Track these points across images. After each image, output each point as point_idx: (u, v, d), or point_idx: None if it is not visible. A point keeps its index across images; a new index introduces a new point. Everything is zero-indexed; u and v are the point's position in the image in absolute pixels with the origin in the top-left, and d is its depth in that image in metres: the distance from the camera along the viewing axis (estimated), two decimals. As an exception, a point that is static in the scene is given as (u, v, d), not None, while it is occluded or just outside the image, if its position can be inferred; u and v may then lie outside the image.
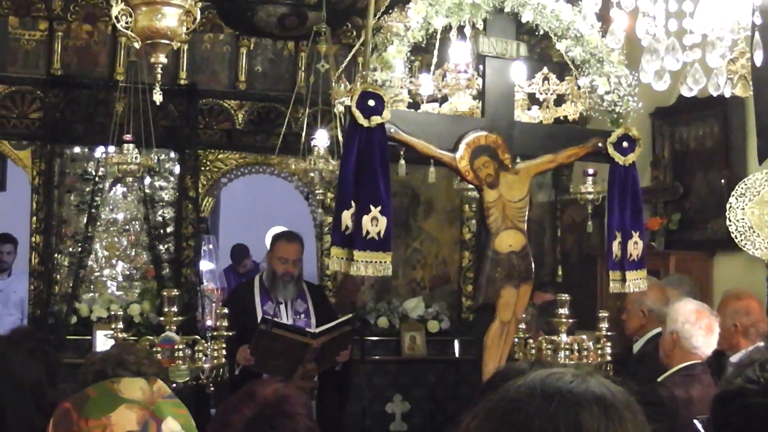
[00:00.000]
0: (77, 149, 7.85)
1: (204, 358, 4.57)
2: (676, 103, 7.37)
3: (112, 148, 6.88)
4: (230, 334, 4.71)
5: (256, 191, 11.04)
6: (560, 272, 8.78)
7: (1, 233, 9.68)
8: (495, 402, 1.34)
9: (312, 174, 6.29)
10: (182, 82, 7.97)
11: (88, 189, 7.80)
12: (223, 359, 4.66)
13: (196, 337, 4.67)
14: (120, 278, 7.97)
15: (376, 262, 3.99)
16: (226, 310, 4.79)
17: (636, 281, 4.63)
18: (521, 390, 1.34)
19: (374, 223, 3.96)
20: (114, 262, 7.97)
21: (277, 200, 10.57)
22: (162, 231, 7.96)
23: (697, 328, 4.64)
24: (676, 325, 4.68)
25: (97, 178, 7.78)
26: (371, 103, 3.96)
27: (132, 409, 1.66)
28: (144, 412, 1.66)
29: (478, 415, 1.34)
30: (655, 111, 7.68)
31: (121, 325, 4.64)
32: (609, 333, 4.82)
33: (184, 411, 1.74)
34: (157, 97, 3.48)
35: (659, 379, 4.69)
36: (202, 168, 8.09)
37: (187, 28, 3.46)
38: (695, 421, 3.86)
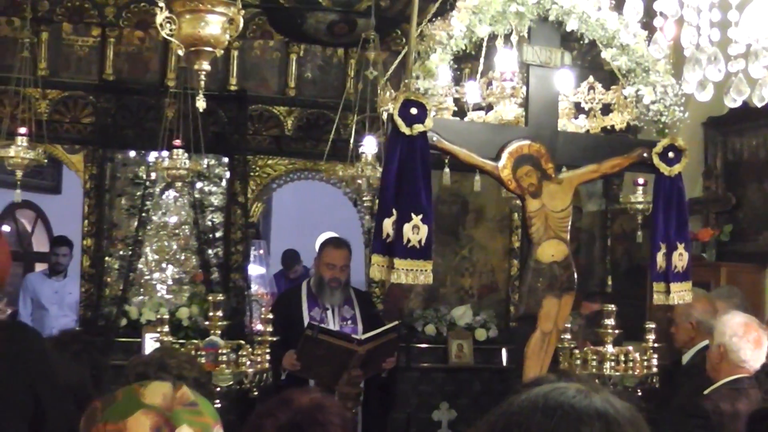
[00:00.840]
0: (129, 154, 7.97)
1: (248, 362, 4.59)
2: (729, 113, 7.22)
3: (164, 153, 6.96)
4: (274, 339, 4.74)
5: (306, 197, 11.08)
6: (609, 282, 8.70)
7: (57, 236, 9.87)
8: (497, 415, 1.33)
9: (359, 181, 6.32)
10: (232, 88, 8.04)
11: (138, 193, 7.91)
12: (267, 364, 4.68)
13: (241, 342, 4.69)
14: (169, 282, 8.06)
15: (416, 270, 3.96)
16: (271, 316, 4.82)
17: (680, 293, 4.54)
18: (523, 404, 1.33)
19: (415, 231, 3.93)
20: (164, 265, 8.06)
21: (327, 206, 10.59)
22: (211, 235, 8.03)
23: (745, 342, 4.56)
24: (723, 338, 4.60)
25: (147, 183, 7.88)
26: (413, 111, 3.94)
27: (148, 415, 1.67)
28: (159, 418, 1.67)
29: (480, 429, 1.33)
30: (708, 120, 7.58)
31: (167, 329, 4.69)
32: (656, 344, 4.76)
33: (204, 420, 1.74)
34: (201, 103, 3.50)
35: (705, 392, 4.62)
36: (251, 174, 8.14)
37: (231, 36, 3.48)
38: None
